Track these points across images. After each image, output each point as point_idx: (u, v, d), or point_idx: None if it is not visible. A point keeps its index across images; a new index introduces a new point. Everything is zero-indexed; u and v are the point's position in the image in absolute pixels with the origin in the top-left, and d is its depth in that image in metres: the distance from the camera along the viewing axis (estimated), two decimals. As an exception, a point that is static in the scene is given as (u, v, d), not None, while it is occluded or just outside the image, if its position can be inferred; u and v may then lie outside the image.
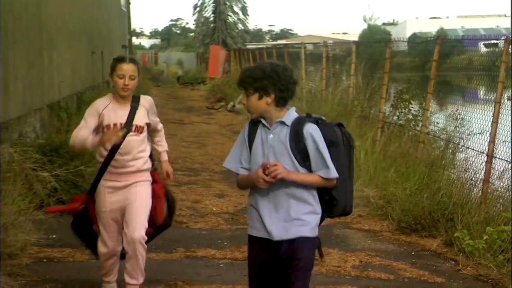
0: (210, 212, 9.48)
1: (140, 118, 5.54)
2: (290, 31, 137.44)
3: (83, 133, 5.44)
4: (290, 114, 4.34)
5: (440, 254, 7.73)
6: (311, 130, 4.29)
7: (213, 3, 54.56)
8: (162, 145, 5.98)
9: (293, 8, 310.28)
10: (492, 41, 10.60)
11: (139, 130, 5.53)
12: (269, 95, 4.30)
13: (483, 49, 10.65)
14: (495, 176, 8.04)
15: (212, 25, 54.49)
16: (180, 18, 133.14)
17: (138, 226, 5.44)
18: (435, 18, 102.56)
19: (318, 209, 4.37)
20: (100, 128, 5.53)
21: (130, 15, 38.39)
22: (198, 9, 55.80)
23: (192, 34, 62.89)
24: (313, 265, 4.39)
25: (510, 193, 7.74)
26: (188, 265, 7.06)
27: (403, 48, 27.19)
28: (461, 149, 9.38)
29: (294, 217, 4.30)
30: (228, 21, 54.02)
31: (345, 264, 7.26)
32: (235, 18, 54.73)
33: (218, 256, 7.44)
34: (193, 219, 9.04)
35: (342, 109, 13.28)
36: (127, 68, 5.44)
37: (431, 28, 71.75)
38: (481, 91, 9.94)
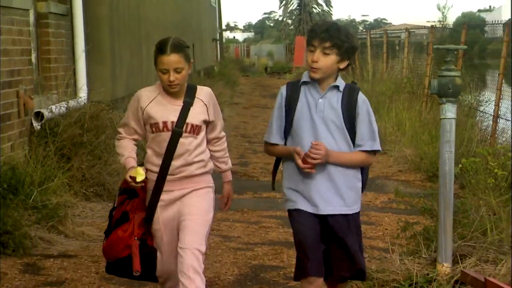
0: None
1: (196, 116, 4.42)
2: (384, 21, 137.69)
3: (124, 143, 4.50)
4: (341, 80, 4.19)
5: (454, 194, 9.74)
6: (365, 98, 4.19)
7: (298, -5, 56.95)
8: (225, 161, 4.62)
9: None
10: None
11: (195, 130, 4.42)
12: (346, 60, 4.13)
13: None
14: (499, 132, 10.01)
15: (298, 16, 56.75)
16: (273, 11, 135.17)
17: (191, 251, 4.30)
18: (510, 6, 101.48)
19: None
20: (148, 126, 4.44)
21: (221, 10, 40.82)
22: (284, 2, 58.23)
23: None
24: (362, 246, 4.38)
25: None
26: (254, 201, 9.26)
27: (500, 34, 28.17)
28: (479, 114, 11.36)
29: (341, 191, 4.18)
30: (312, 12, 56.17)
31: (375, 200, 9.32)
32: (319, 10, 56.81)
33: (278, 196, 9.56)
34: (263, 174, 11.21)
35: (396, 86, 15.37)
36: (169, 60, 4.30)
37: (527, 13, 71.70)
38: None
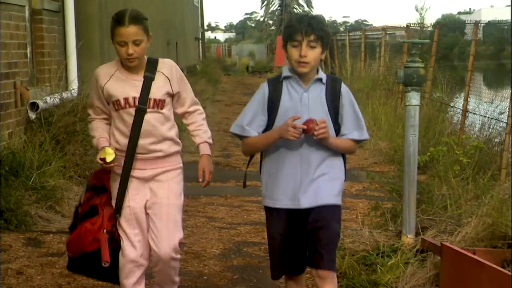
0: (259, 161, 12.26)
1: (159, 89, 4.26)
2: (364, 22, 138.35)
3: (95, 125, 4.38)
4: (322, 73, 4.14)
5: (424, 183, 10.34)
6: (347, 89, 4.16)
7: (279, -4, 57.77)
8: (199, 134, 4.45)
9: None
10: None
11: (158, 105, 4.26)
12: (325, 51, 4.09)
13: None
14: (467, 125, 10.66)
15: (279, 17, 57.45)
16: (255, 12, 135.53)
17: (168, 236, 4.30)
18: (510, 6, 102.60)
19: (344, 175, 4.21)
20: (110, 104, 4.29)
21: (203, 10, 41.35)
22: (265, 2, 58.98)
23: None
24: (339, 236, 4.25)
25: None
26: (236, 189, 9.80)
27: (479, 36, 28.47)
28: (451, 109, 12.01)
29: (323, 183, 4.08)
30: (293, 13, 56.86)
31: (351, 189, 9.90)
32: (300, 10, 57.50)
33: (259, 185, 10.19)
34: (245, 165, 11.60)
35: (373, 84, 16.03)
36: (127, 32, 4.11)
37: (506, 16, 72.72)
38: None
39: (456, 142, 8.52)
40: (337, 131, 4.11)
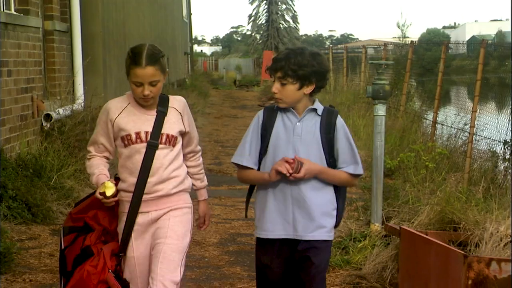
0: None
1: (171, 125, 4.13)
2: (350, 36, 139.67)
3: (94, 162, 4.15)
4: (319, 104, 4.11)
5: (398, 186, 11.50)
6: (343, 123, 4.13)
7: (266, 12, 59.11)
8: (201, 178, 4.34)
9: (354, 13, 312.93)
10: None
11: (171, 142, 4.12)
12: (310, 85, 4.01)
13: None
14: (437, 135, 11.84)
15: (266, 32, 58.90)
16: (241, 25, 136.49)
17: (163, 284, 4.00)
18: (495, 20, 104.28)
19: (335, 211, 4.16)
20: (118, 140, 4.10)
21: (191, 25, 42.47)
22: (252, 18, 60.44)
23: (252, 40, 67.26)
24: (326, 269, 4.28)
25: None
26: (229, 191, 10.92)
27: (462, 51, 28.70)
28: (423, 120, 13.20)
29: (316, 216, 4.04)
30: (280, 28, 58.33)
31: (332, 191, 11.05)
32: (286, 26, 58.99)
33: (250, 189, 11.34)
34: (236, 172, 12.88)
35: (354, 97, 17.25)
36: (144, 74, 3.97)
37: (491, 30, 74.23)
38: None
39: (423, 149, 9.66)
40: (332, 163, 4.08)
